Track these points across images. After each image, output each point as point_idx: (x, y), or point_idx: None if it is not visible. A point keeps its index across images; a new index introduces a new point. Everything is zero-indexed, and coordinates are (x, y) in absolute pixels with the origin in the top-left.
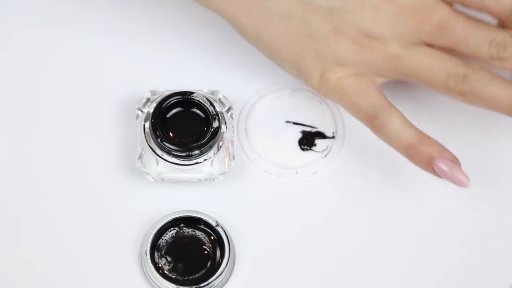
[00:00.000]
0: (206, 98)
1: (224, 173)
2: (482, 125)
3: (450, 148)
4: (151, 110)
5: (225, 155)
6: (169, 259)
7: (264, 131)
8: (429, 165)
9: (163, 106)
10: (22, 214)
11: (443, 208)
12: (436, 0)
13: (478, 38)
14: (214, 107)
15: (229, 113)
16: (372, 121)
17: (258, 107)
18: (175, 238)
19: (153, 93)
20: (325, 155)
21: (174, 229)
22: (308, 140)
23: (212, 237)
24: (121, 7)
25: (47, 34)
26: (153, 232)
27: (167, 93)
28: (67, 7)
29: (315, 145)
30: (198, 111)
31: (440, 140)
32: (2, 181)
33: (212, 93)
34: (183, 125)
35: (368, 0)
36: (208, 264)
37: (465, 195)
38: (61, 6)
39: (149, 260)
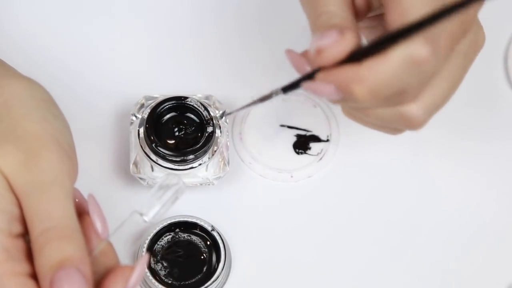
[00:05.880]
0: (200, 103)
1: (219, 177)
2: (485, 127)
3: (455, 146)
4: (146, 116)
5: (220, 160)
6: (165, 264)
7: (258, 135)
8: None
9: (157, 112)
10: None
11: (439, 209)
12: None
13: None
14: (208, 111)
15: (224, 117)
16: None
17: (252, 112)
18: (171, 243)
19: (147, 98)
20: (320, 158)
21: (170, 234)
22: (302, 143)
23: (208, 242)
24: (115, 12)
25: (41, 39)
26: (149, 237)
27: (161, 98)
28: (60, 12)
29: (309, 148)
30: (192, 116)
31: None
32: None
33: (207, 97)
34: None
35: None
36: (204, 269)
37: (463, 196)
38: (53, 11)
39: (145, 265)
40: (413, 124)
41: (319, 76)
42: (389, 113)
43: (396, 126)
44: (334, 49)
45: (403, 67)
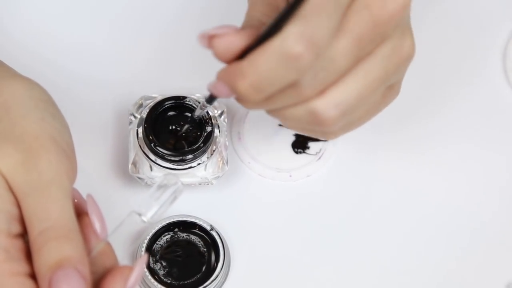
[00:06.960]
0: (199, 103)
1: (218, 177)
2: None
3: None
4: (144, 115)
5: (219, 159)
6: (164, 264)
7: (257, 134)
8: None
9: (156, 111)
10: None
11: (438, 209)
12: None
13: None
14: (207, 111)
15: (222, 117)
16: None
17: (251, 111)
18: (170, 243)
19: (146, 98)
20: (319, 158)
21: (169, 234)
22: (301, 143)
23: (207, 241)
24: (114, 12)
25: (40, 39)
26: (148, 237)
27: (159, 98)
28: (59, 12)
29: (308, 147)
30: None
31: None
32: None
33: (205, 97)
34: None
35: None
36: (203, 268)
37: (463, 196)
38: (53, 11)
39: (144, 265)
40: (323, 121)
41: (217, 76)
42: (300, 111)
43: (312, 126)
44: (223, 39)
45: (278, 62)
